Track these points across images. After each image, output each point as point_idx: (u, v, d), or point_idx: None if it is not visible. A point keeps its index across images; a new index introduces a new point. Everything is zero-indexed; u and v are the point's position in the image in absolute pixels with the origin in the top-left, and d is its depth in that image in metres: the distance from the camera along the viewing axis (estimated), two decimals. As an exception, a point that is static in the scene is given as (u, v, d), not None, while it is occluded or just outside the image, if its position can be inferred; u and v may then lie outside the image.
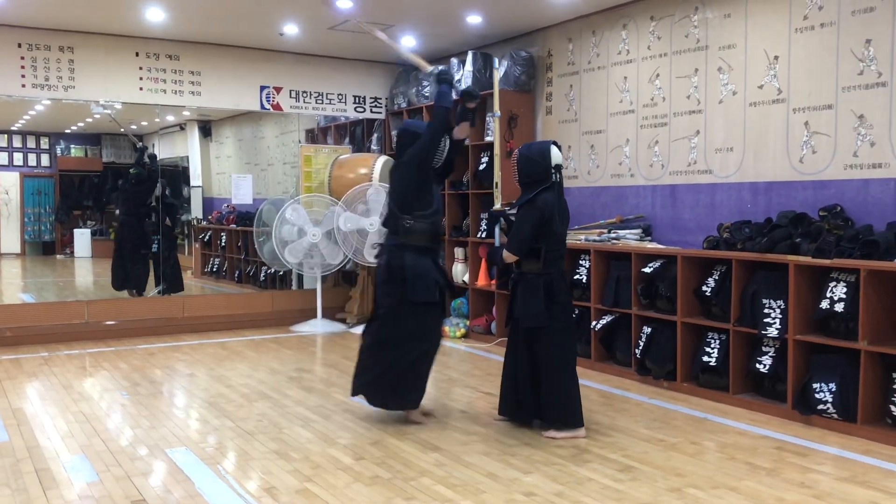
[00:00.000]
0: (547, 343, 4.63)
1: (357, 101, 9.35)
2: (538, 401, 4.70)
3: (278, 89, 8.84)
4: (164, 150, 11.08)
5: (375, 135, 9.83)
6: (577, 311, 6.52)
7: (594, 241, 6.68)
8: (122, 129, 10.33)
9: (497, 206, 5.28)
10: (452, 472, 4.02)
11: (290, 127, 10.39)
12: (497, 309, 7.70)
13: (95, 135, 11.15)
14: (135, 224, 9.34)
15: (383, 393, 4.88)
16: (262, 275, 10.20)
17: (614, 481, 3.88)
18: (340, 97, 9.23)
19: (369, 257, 8.11)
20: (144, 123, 10.58)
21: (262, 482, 3.88)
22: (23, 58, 7.60)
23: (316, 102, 9.08)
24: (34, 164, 11.12)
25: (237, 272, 10.69)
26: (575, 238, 6.83)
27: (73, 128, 11.01)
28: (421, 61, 5.38)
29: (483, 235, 7.92)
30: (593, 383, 6.01)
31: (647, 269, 6.02)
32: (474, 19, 7.41)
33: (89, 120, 10.16)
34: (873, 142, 5.10)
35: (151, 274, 9.31)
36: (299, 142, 9.95)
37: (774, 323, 5.10)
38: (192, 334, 8.23)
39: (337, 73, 9.17)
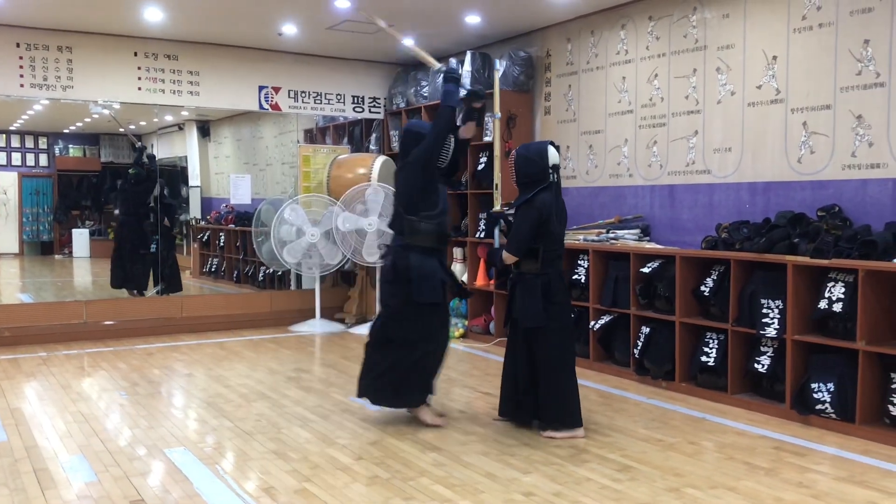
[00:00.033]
0: (545, 343, 4.63)
1: (356, 101, 9.35)
2: (537, 401, 4.70)
3: (277, 89, 8.84)
4: (162, 150, 11.07)
5: (374, 135, 9.83)
6: (575, 311, 6.53)
7: (593, 241, 6.68)
8: (122, 129, 10.33)
9: (497, 207, 5.28)
10: (451, 472, 4.02)
11: (288, 127, 10.39)
12: (495, 309, 7.71)
13: (94, 135, 11.14)
14: (134, 224, 9.33)
15: (384, 392, 4.87)
16: (260, 275, 10.20)
17: (613, 481, 3.89)
18: (339, 97, 9.23)
19: (368, 257, 8.11)
20: (143, 123, 10.57)
21: (260, 482, 3.88)
22: (21, 57, 7.60)
23: (314, 102, 9.08)
24: (32, 163, 11.10)
25: (236, 272, 10.68)
26: (573, 238, 6.84)
27: (72, 128, 11.00)
28: (429, 58, 5.36)
29: (482, 236, 7.92)
30: (592, 383, 6.01)
31: (645, 269, 6.02)
32: (473, 19, 7.41)
33: (88, 120, 10.15)
34: (871, 142, 5.11)
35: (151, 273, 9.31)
36: (298, 142, 9.95)
37: (773, 323, 5.11)
38: (190, 334, 8.23)
39: (335, 73, 9.17)
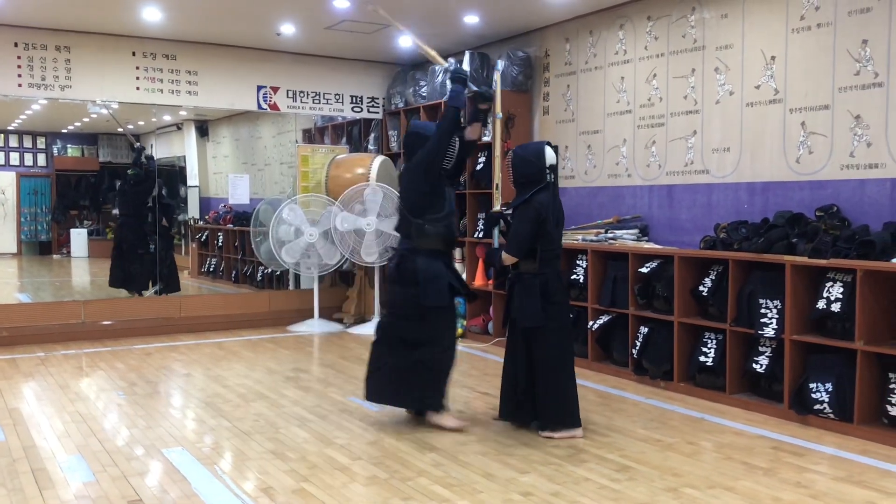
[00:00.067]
0: (543, 343, 4.63)
1: (354, 100, 9.34)
2: (536, 401, 4.70)
3: (275, 89, 8.84)
4: (160, 150, 11.05)
5: (372, 135, 9.83)
6: (574, 311, 6.53)
7: (591, 241, 6.68)
8: (120, 129, 10.32)
9: (497, 207, 5.28)
10: (450, 471, 4.02)
11: (287, 127, 10.38)
12: (494, 309, 7.70)
13: (92, 134, 11.13)
14: (134, 225, 9.33)
15: (387, 390, 4.83)
16: (258, 275, 10.19)
17: (611, 481, 3.89)
18: (337, 97, 9.22)
19: (366, 257, 8.11)
20: (141, 123, 10.56)
21: (258, 482, 3.87)
22: (19, 57, 7.59)
23: (313, 102, 9.08)
24: (30, 163, 11.10)
25: (234, 272, 10.67)
26: (572, 238, 6.84)
27: (70, 127, 10.99)
28: (437, 56, 5.34)
29: (480, 235, 7.92)
30: (590, 383, 6.01)
31: (644, 269, 6.02)
32: (471, 19, 7.41)
33: (86, 119, 10.14)
34: (870, 142, 5.11)
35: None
36: (296, 142, 9.94)
37: (771, 323, 5.11)
38: (188, 334, 8.22)
39: (334, 73, 9.17)
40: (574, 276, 6.66)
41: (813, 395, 4.82)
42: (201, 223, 11.16)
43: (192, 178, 11.14)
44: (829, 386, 4.78)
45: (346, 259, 8.43)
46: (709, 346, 5.58)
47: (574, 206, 7.38)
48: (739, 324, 5.36)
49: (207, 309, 8.68)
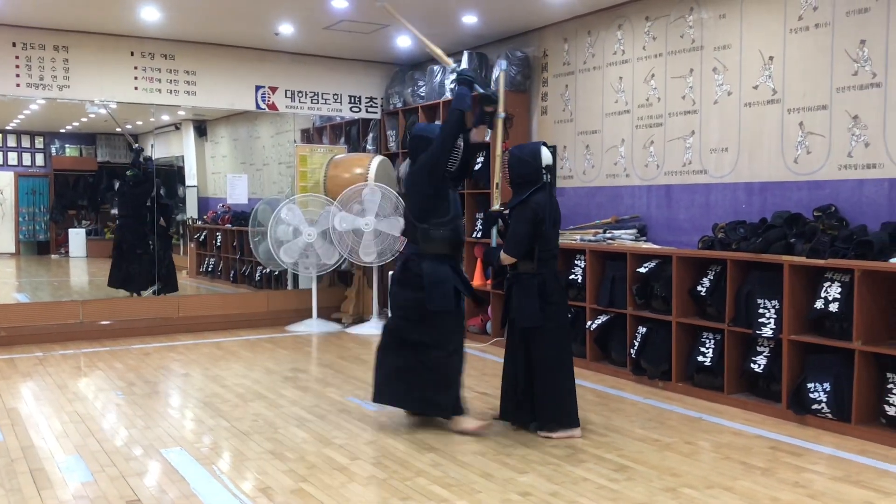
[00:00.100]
0: (541, 343, 4.63)
1: (353, 100, 9.34)
2: (534, 401, 4.70)
3: (274, 89, 8.84)
4: (159, 150, 11.05)
5: (371, 135, 9.83)
6: (572, 311, 6.53)
7: (589, 241, 6.69)
8: (118, 129, 10.31)
9: (496, 206, 5.27)
10: (448, 471, 4.02)
11: (285, 127, 10.38)
12: (492, 309, 7.71)
13: (90, 134, 11.14)
14: (133, 226, 9.33)
15: (391, 392, 4.81)
16: (257, 275, 10.19)
17: (609, 481, 3.89)
18: (336, 97, 9.22)
19: (365, 257, 8.11)
20: (140, 123, 10.56)
21: (257, 482, 3.87)
22: (17, 57, 7.59)
23: (311, 102, 9.08)
24: (29, 163, 11.09)
25: (232, 272, 10.67)
26: (570, 238, 6.85)
27: (68, 127, 10.99)
28: (444, 56, 5.32)
29: (479, 235, 7.92)
30: (588, 383, 6.02)
31: (642, 269, 6.03)
32: (470, 19, 7.41)
33: (84, 119, 10.14)
34: (867, 142, 5.11)
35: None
36: (295, 141, 9.94)
37: (769, 323, 5.11)
38: (187, 334, 8.22)
39: (332, 73, 9.17)
40: (572, 276, 6.66)
41: (811, 395, 4.83)
42: (200, 223, 11.16)
43: (191, 178, 11.14)
44: (826, 386, 4.78)
45: (345, 259, 8.43)
46: (707, 346, 5.59)
47: (572, 206, 7.39)
48: (737, 324, 5.36)
49: (206, 309, 8.68)
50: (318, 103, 9.11)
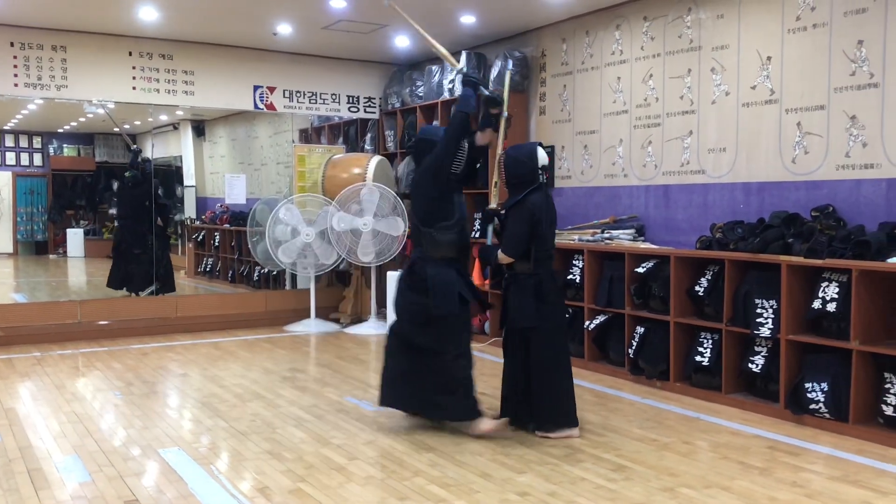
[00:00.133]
0: (538, 343, 4.63)
1: (351, 100, 9.35)
2: (532, 401, 4.70)
3: (272, 89, 8.84)
4: (157, 150, 11.04)
5: (369, 135, 9.83)
6: (570, 311, 6.54)
7: (587, 241, 6.69)
8: (117, 129, 10.31)
9: (493, 204, 5.27)
10: (446, 471, 4.02)
11: (283, 127, 10.38)
12: (490, 309, 7.69)
13: (88, 134, 11.12)
14: (133, 226, 9.32)
15: (397, 396, 4.78)
16: (255, 275, 10.19)
17: (607, 481, 3.89)
18: (334, 97, 9.22)
19: (363, 257, 8.11)
20: (138, 123, 10.55)
21: (255, 482, 3.87)
22: (15, 57, 7.58)
23: (310, 102, 9.08)
24: (27, 163, 11.08)
25: (231, 272, 10.67)
26: (568, 238, 6.85)
27: (66, 127, 10.97)
28: (450, 57, 5.30)
29: (476, 235, 7.92)
30: (586, 383, 6.02)
31: (640, 269, 6.03)
32: (468, 19, 7.41)
33: (82, 119, 10.12)
34: (865, 142, 5.12)
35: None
36: (293, 141, 9.94)
37: (767, 323, 5.12)
38: (185, 334, 8.22)
39: (331, 73, 9.17)
40: (570, 276, 6.66)
41: (808, 395, 4.84)
42: (198, 223, 11.15)
43: (189, 178, 11.13)
44: (824, 386, 4.79)
45: (343, 259, 8.43)
46: (705, 345, 5.59)
47: (570, 207, 7.39)
48: (735, 324, 5.37)
49: (204, 309, 8.67)
50: (316, 103, 9.11)
